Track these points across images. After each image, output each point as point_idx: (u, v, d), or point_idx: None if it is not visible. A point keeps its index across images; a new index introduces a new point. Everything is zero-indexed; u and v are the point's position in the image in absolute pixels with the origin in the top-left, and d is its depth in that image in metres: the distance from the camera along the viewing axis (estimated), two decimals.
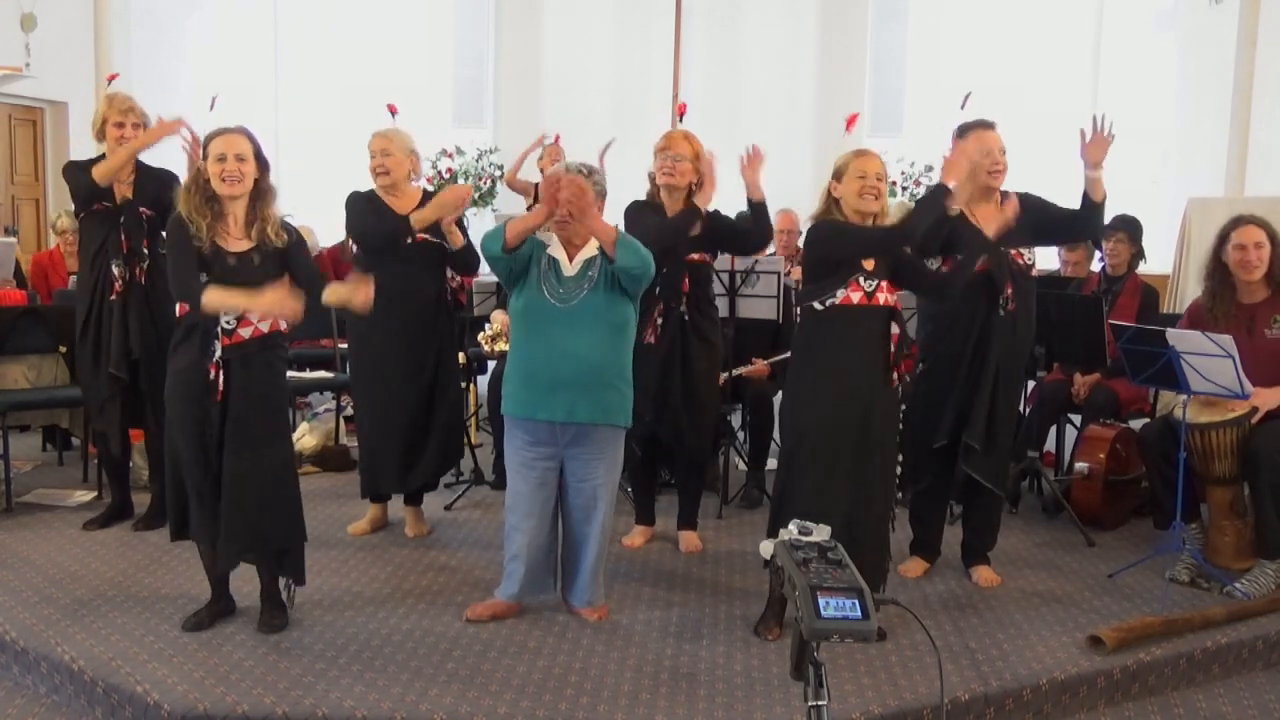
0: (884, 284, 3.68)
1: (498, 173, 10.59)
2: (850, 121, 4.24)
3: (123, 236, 4.54)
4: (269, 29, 10.58)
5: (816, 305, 3.68)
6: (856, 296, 3.64)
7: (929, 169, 10.65)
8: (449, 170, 10.64)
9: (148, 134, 4.50)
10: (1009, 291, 4.05)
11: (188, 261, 3.50)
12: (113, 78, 5.32)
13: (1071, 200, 4.23)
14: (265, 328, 3.57)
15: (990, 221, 4.05)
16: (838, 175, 3.71)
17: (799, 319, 3.83)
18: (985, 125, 4.13)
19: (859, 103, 11.29)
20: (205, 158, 3.55)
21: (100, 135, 4.63)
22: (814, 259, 3.74)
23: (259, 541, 3.64)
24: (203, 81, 9.67)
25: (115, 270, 4.55)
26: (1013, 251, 4.07)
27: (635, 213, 4.42)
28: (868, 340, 3.66)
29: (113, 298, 4.56)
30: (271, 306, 3.46)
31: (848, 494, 3.61)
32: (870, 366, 3.65)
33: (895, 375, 3.69)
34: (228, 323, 3.52)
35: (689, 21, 11.09)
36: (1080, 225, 4.22)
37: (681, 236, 4.30)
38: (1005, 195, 4.11)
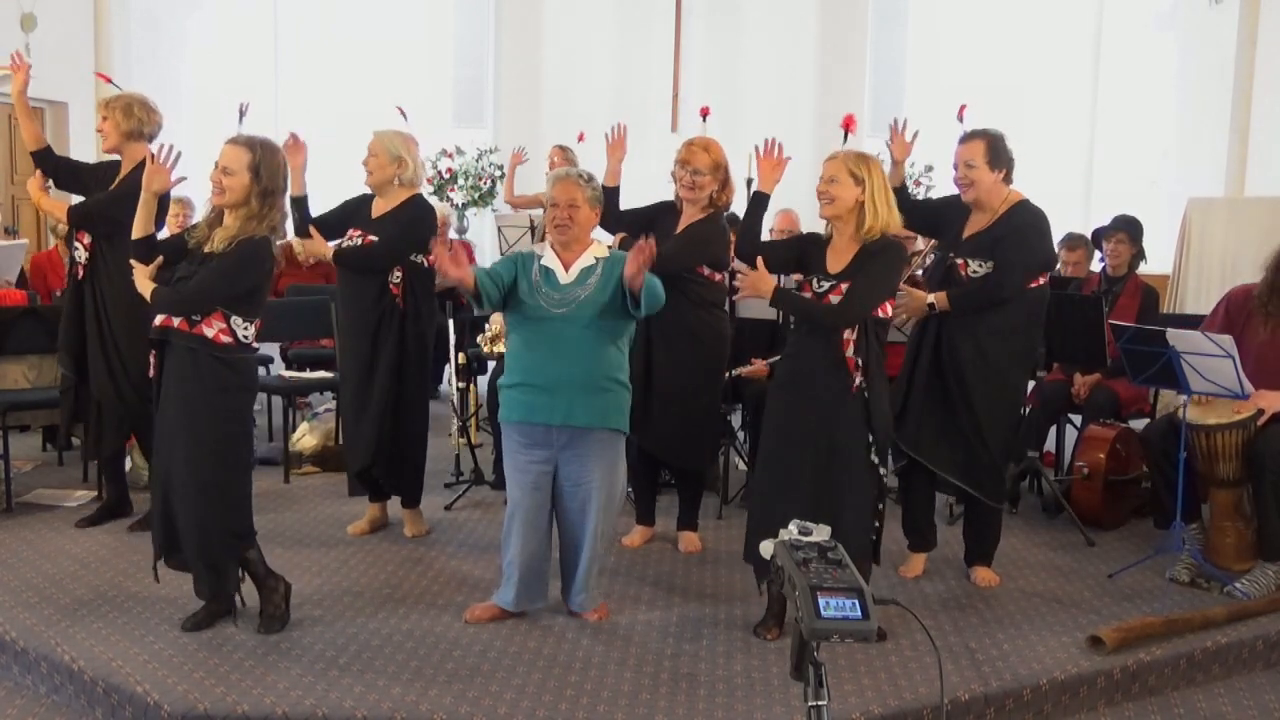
0: (845, 286, 3.59)
1: (498, 173, 10.58)
2: (848, 124, 4.20)
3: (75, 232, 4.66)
4: (269, 29, 10.58)
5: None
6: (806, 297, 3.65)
7: (929, 169, 10.66)
8: (449, 170, 10.63)
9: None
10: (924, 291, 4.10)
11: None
12: (105, 79, 5.31)
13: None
14: (175, 322, 3.54)
15: (974, 229, 4.09)
16: None
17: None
18: (962, 139, 4.12)
19: (859, 103, 11.29)
20: None
21: None
22: None
23: (175, 545, 3.61)
24: (203, 82, 9.68)
25: (78, 257, 4.65)
26: (959, 261, 4.08)
27: (658, 214, 4.49)
28: (817, 343, 3.61)
29: (58, 292, 4.64)
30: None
31: (812, 500, 3.52)
32: (823, 371, 3.59)
33: (857, 380, 3.58)
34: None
35: (689, 21, 11.09)
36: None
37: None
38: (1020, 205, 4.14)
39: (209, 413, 3.53)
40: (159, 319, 3.57)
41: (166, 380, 3.59)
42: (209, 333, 3.52)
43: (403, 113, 4.94)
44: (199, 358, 3.53)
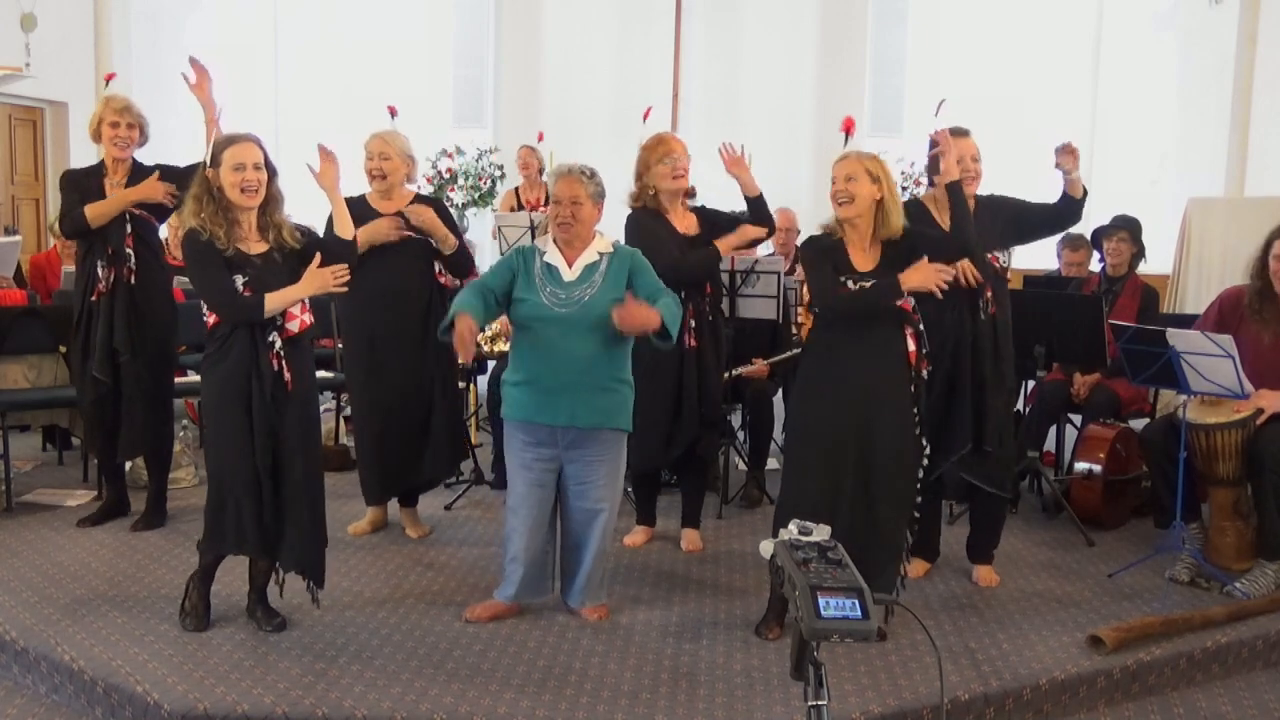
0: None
1: (498, 173, 10.59)
2: (847, 126, 4.19)
3: (107, 238, 4.54)
4: (269, 29, 10.58)
5: (815, 309, 3.69)
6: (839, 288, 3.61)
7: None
8: (449, 170, 10.64)
9: (140, 189, 4.48)
10: (989, 294, 4.03)
11: (222, 276, 3.49)
12: (110, 77, 5.29)
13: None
14: (309, 318, 3.65)
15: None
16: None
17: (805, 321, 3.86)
18: (960, 133, 4.07)
19: (859, 103, 11.29)
20: (215, 165, 3.52)
21: (96, 136, 4.60)
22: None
23: (314, 546, 3.66)
24: None
25: (100, 271, 4.55)
26: (990, 255, 4.05)
27: (643, 225, 4.40)
28: (867, 342, 3.58)
29: (94, 299, 4.55)
30: (320, 285, 3.56)
31: (852, 496, 3.55)
32: (871, 369, 3.57)
33: (914, 378, 3.61)
34: (278, 319, 3.57)
35: (689, 21, 11.08)
36: (1063, 217, 4.24)
37: (709, 275, 4.47)
38: (978, 200, 4.12)
39: (317, 399, 3.74)
40: (299, 323, 3.61)
41: (299, 390, 3.59)
42: (297, 326, 3.64)
43: (392, 112, 4.89)
44: (310, 352, 3.70)
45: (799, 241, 6.40)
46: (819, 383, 3.64)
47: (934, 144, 3.97)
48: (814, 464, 3.59)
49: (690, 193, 4.52)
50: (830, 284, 3.58)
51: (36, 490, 5.31)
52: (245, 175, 3.50)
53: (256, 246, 3.58)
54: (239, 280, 3.50)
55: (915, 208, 4.18)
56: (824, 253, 3.65)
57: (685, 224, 4.44)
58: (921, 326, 3.64)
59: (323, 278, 3.57)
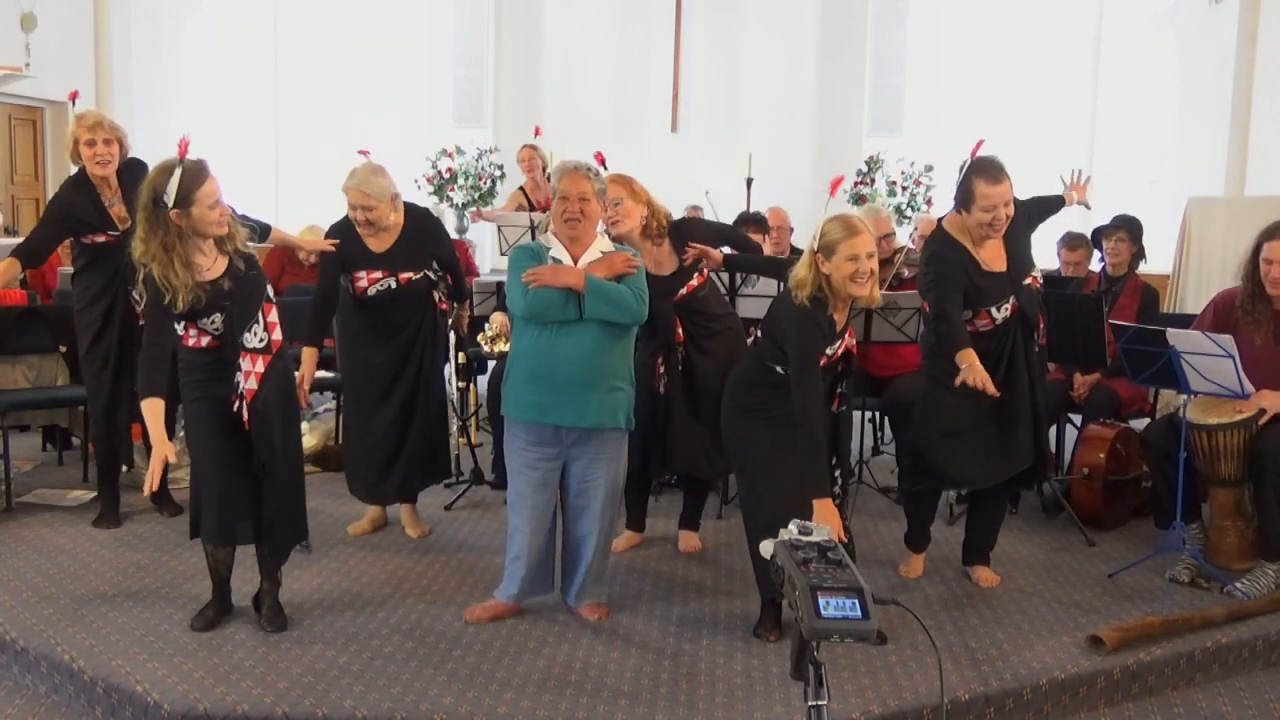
0: (848, 333, 3.66)
1: (497, 173, 10.60)
2: (834, 185, 4.09)
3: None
4: (269, 29, 10.58)
5: (779, 369, 3.58)
6: (820, 362, 3.59)
7: (929, 169, 10.67)
8: (449, 170, 10.65)
9: None
10: (1043, 325, 4.07)
11: (156, 342, 3.47)
12: (74, 96, 5.27)
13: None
14: (278, 336, 3.62)
15: (994, 260, 4.01)
16: (826, 251, 3.45)
17: (754, 355, 3.76)
18: (996, 176, 3.90)
19: (859, 103, 11.31)
20: (187, 205, 3.37)
21: (75, 157, 4.59)
22: (784, 345, 3.58)
23: (286, 536, 3.70)
24: (203, 81, 9.68)
25: (136, 296, 4.55)
26: (1030, 278, 4.04)
27: None
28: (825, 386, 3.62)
29: (139, 322, 4.56)
30: (154, 472, 3.36)
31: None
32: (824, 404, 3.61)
33: (836, 400, 3.69)
34: (261, 341, 3.54)
35: (689, 21, 11.10)
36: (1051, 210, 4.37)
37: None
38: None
39: (285, 410, 3.70)
40: (279, 337, 3.60)
41: (266, 393, 3.56)
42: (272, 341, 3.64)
43: (364, 155, 4.72)
44: (283, 368, 3.68)
45: (791, 240, 6.35)
46: (762, 404, 3.64)
47: (966, 174, 3.95)
48: (776, 473, 3.57)
49: (650, 229, 4.23)
50: (815, 373, 3.51)
51: (36, 490, 5.31)
52: (222, 209, 3.46)
53: (217, 267, 3.51)
54: (218, 318, 3.49)
55: (941, 237, 4.09)
56: (821, 328, 3.54)
57: (657, 260, 4.25)
58: (843, 388, 3.70)
59: (156, 469, 3.37)
